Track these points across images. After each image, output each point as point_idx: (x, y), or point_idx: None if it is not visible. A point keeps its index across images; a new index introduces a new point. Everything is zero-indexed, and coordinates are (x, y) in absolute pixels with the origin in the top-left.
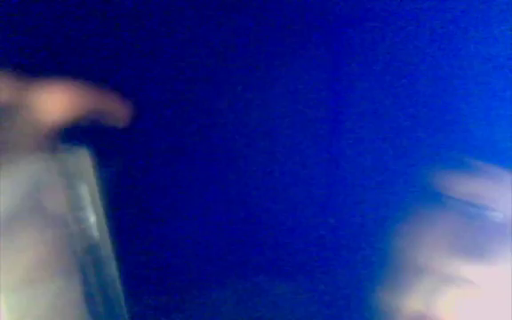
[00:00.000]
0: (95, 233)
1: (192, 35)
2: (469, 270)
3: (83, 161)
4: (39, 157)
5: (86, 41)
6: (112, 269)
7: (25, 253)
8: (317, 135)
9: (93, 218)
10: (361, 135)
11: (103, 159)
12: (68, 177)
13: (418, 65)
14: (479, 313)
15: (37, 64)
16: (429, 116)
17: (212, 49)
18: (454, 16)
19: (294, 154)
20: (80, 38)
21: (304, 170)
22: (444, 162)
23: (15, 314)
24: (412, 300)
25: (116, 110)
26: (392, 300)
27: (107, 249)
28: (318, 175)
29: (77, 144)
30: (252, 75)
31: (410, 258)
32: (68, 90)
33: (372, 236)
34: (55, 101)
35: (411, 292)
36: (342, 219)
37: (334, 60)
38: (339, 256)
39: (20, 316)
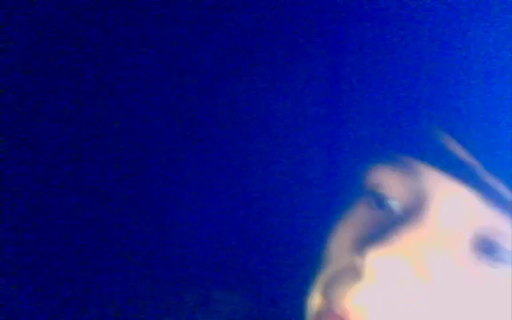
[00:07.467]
0: None
1: (193, 35)
2: (371, 260)
3: None
4: None
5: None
6: None
7: None
8: (317, 135)
9: None
10: (360, 135)
11: None
12: None
13: (418, 66)
14: (382, 303)
15: None
16: (430, 114)
17: (211, 49)
18: (454, 16)
19: (293, 155)
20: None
21: (303, 171)
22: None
23: None
24: (317, 295)
25: None
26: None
27: None
28: (318, 177)
29: None
30: (252, 75)
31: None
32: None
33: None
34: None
35: (316, 286)
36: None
37: (334, 60)
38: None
39: None
